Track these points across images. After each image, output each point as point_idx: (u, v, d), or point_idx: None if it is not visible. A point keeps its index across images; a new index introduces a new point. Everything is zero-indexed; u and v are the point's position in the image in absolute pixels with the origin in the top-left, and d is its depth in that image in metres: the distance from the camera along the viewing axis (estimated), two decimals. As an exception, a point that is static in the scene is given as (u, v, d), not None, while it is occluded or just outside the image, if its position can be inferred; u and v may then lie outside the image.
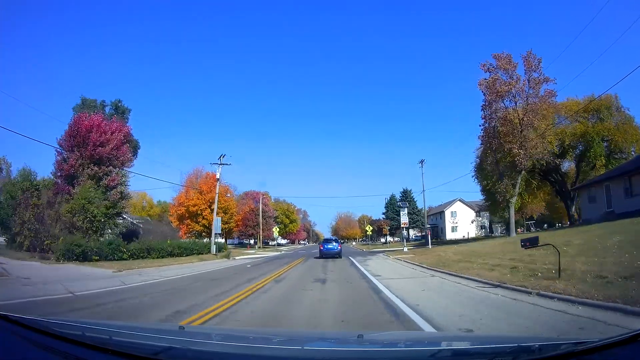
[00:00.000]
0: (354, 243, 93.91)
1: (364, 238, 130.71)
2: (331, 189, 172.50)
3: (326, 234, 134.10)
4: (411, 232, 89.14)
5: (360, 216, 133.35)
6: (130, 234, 23.35)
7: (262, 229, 58.52)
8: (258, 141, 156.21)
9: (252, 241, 65.72)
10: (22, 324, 1.96)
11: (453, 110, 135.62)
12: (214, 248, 27.57)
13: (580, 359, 1.51)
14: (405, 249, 27.13)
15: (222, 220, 37.14)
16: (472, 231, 52.20)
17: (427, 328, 4.92)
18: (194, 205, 41.64)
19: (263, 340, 2.40)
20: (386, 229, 58.62)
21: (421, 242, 47.58)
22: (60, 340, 1.82)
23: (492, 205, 34.45)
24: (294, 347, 2.02)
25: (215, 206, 32.05)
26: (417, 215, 56.84)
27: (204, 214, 42.22)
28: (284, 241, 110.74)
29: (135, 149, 32.34)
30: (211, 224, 34.87)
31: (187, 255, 23.17)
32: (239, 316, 5.95)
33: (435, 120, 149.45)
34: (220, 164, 32.23)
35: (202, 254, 25.33)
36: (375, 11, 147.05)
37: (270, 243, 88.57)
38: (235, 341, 2.27)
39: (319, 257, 23.47)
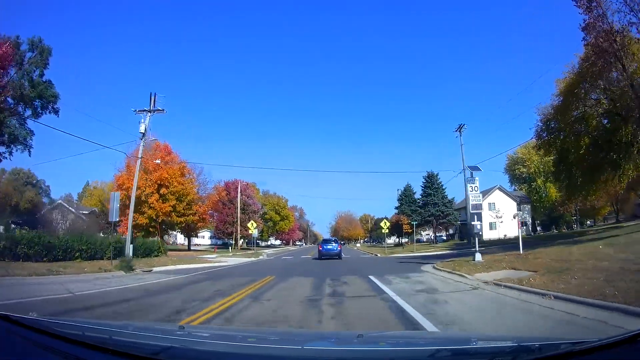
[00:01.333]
0: (357, 245, 78.50)
1: (368, 238, 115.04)
2: (331, 189, 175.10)
3: (325, 234, 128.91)
4: (424, 232, 72.82)
5: (361, 215, 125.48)
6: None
7: (245, 227, 47.54)
8: (257, 141, 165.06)
9: (241, 241, 58.09)
10: (22, 324, 1.98)
11: (453, 111, 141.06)
12: (128, 249, 18.30)
13: (579, 359, 1.53)
14: (479, 258, 14.67)
15: (176, 211, 32.78)
16: (513, 229, 39.89)
17: None
18: (137, 189, 26.72)
19: (263, 340, 2.45)
20: (407, 225, 43.37)
21: (458, 244, 40.57)
22: (60, 340, 1.85)
23: (570, 186, 22.52)
24: (294, 347, 2.04)
25: (135, 178, 21.67)
26: (446, 207, 42.25)
27: (149, 200, 32.63)
28: (277, 242, 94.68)
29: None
30: (162, 216, 31.34)
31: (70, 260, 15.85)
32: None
33: (436, 120, 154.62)
34: (151, 111, 20.54)
35: (101, 258, 17.09)
36: (375, 11, 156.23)
37: (261, 244, 72.96)
38: (236, 341, 2.28)
39: (318, 259, 23.80)
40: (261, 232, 71.15)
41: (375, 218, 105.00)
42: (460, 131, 31.07)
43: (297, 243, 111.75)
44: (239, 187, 47.33)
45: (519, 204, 47.37)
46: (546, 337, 3.01)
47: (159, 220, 30.16)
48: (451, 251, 27.22)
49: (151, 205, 30.76)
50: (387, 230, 34.62)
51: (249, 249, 55.93)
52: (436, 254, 24.70)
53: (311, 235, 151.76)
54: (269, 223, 68.52)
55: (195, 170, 37.03)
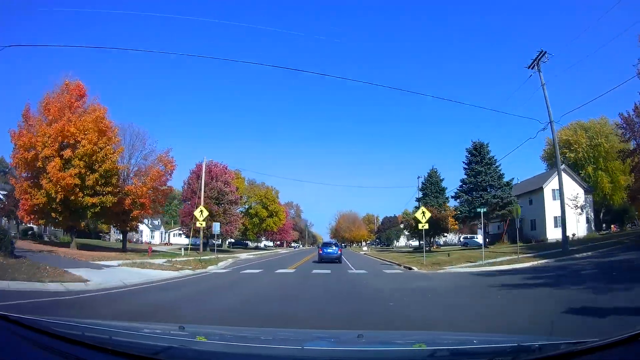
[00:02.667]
0: (364, 248, 74.57)
1: (374, 240, 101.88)
2: (332, 186, 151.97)
3: (324, 235, 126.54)
4: (441, 235, 60.04)
5: (365, 215, 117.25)
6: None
7: (227, 220, 42.27)
8: (256, 140, 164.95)
9: (219, 241, 49.96)
10: (22, 324, 2.05)
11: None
12: None
13: (580, 359, 1.56)
14: None
15: (85, 186, 22.02)
16: (580, 226, 33.88)
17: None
18: (31, 149, 21.84)
19: (263, 339, 2.54)
20: (452, 220, 31.28)
21: (531, 248, 26.26)
22: (60, 340, 1.90)
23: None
24: (293, 347, 2.11)
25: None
26: (503, 191, 33.97)
27: (48, 168, 21.66)
28: (270, 243, 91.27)
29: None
30: (61, 193, 21.03)
31: None
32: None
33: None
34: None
35: None
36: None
37: (250, 245, 70.90)
38: (236, 341, 2.37)
39: (318, 262, 24.47)
40: (245, 230, 58.22)
41: (378, 218, 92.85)
42: (537, 64, 19.03)
43: (292, 245, 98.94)
44: (204, 166, 35.39)
45: (587, 191, 35.29)
46: (546, 337, 2.68)
47: (58, 199, 17.94)
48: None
49: (50, 175, 18.31)
50: (426, 225, 22.00)
51: (229, 251, 43.73)
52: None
53: (309, 236, 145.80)
54: (254, 219, 55.67)
55: (145, 141, 29.90)
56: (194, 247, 34.72)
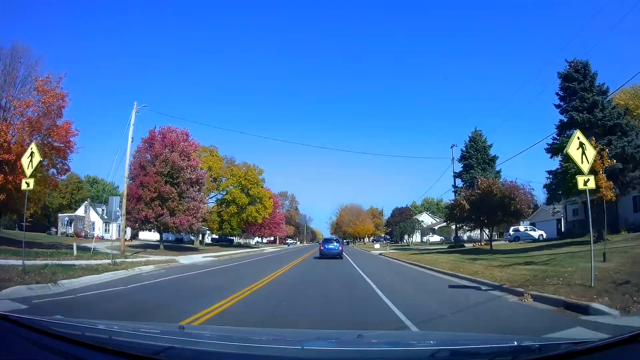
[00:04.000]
0: (376, 246, 54.82)
1: (384, 235, 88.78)
2: (332, 181, 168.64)
3: (324, 232, 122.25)
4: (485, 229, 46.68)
5: (368, 209, 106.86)
6: None
7: (184, 207, 31.51)
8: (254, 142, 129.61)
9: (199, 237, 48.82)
10: (22, 324, 2.11)
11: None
12: None
13: (580, 359, 1.59)
14: None
15: None
16: None
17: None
18: None
19: (263, 340, 2.61)
20: (606, 184, 15.58)
21: None
22: (60, 340, 1.95)
23: None
24: (293, 347, 2.18)
25: None
26: (628, 135, 22.30)
27: None
28: (262, 239, 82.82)
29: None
30: None
31: None
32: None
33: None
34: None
35: None
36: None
37: (237, 241, 66.43)
38: (236, 341, 2.44)
39: (319, 258, 26.15)
40: (221, 222, 44.95)
41: (393, 209, 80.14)
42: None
43: (287, 242, 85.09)
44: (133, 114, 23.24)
45: None
46: (546, 337, 3.16)
47: None
48: None
49: None
50: (591, 183, 8.05)
51: (193, 249, 32.14)
52: None
53: (308, 232, 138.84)
54: (230, 208, 42.34)
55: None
56: (170, 243, 22.52)
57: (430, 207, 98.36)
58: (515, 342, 1.97)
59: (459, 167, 36.10)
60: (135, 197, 31.19)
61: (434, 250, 32.78)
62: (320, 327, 6.06)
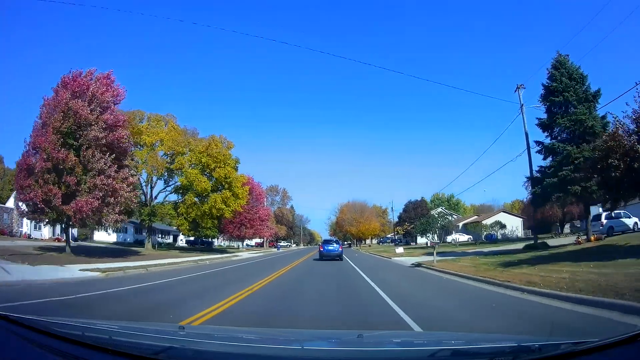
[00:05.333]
0: (398, 250, 35.82)
1: (394, 235, 77.82)
2: (330, 186, 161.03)
3: (323, 233, 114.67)
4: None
5: (371, 207, 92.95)
6: None
7: (92, 186, 20.21)
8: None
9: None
10: (22, 324, 2.12)
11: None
12: None
13: (580, 359, 1.61)
14: None
15: None
16: None
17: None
18: None
19: (263, 340, 2.61)
20: None
21: None
22: (60, 340, 1.97)
23: None
24: (294, 347, 2.20)
25: None
26: None
27: None
28: (245, 243, 68.61)
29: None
30: None
31: None
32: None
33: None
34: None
35: None
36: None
37: (219, 243, 61.12)
38: (236, 341, 2.44)
39: (319, 259, 25.47)
40: (192, 220, 33.43)
41: (406, 203, 68.98)
42: None
43: (281, 244, 73.29)
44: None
45: None
46: (546, 337, 2.79)
47: None
48: None
49: None
50: None
51: (129, 254, 26.77)
52: None
53: (306, 234, 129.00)
54: (187, 196, 30.37)
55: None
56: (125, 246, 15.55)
57: (441, 203, 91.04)
58: (516, 342, 2.02)
59: (533, 118, 24.07)
60: (25, 169, 19.97)
61: (514, 258, 17.78)
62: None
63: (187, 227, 38.58)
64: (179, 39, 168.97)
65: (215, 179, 36.65)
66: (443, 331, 4.75)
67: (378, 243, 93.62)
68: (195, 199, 35.51)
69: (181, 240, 70.08)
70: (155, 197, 39.64)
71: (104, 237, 48.74)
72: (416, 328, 6.58)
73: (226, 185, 36.94)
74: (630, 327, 6.01)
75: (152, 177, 37.32)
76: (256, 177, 39.69)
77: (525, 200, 57.64)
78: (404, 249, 38.35)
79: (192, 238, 60.81)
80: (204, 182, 35.45)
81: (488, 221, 55.78)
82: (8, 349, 1.91)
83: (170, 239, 70.17)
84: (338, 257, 26.20)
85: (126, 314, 7.80)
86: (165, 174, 37.81)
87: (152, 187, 38.74)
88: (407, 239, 74.77)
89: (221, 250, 49.71)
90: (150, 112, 39.43)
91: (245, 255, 39.04)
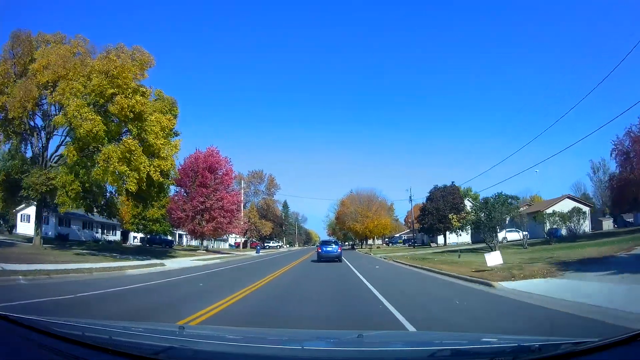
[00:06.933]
0: (493, 260, 13.77)
1: (408, 234, 65.03)
2: (330, 186, 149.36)
3: (320, 233, 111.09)
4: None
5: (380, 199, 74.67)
6: None
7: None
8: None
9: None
10: (22, 324, 2.15)
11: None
12: None
13: (580, 359, 1.62)
14: None
15: None
16: None
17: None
18: None
19: (263, 339, 2.64)
20: None
21: None
22: (60, 340, 2.00)
23: None
24: (293, 347, 2.22)
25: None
26: None
27: None
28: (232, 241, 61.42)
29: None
30: None
31: None
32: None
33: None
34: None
35: None
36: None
37: (191, 242, 50.58)
38: (235, 341, 2.51)
39: (317, 261, 25.47)
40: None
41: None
42: None
43: (269, 244, 58.98)
44: None
45: None
46: (546, 337, 2.89)
47: None
48: None
49: None
50: None
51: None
52: None
53: (301, 233, 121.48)
54: (67, 149, 14.69)
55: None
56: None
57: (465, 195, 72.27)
58: (516, 342, 2.03)
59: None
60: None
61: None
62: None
63: (74, 206, 21.71)
64: (177, 38, 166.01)
65: (117, 118, 20.30)
66: (443, 332, 4.78)
67: (387, 244, 77.73)
68: (77, 153, 19.29)
69: (135, 238, 53.92)
70: (59, 157, 24.19)
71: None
72: None
73: (134, 130, 20.37)
74: (630, 327, 5.59)
75: (50, 124, 22.85)
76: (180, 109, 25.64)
77: (608, 176, 41.97)
78: (460, 254, 22.48)
79: (141, 235, 45.42)
80: (97, 121, 18.93)
81: (555, 208, 37.65)
82: (8, 349, 1.91)
83: (117, 236, 52.73)
84: (337, 258, 25.94)
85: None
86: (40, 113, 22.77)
87: (47, 138, 24.05)
88: (422, 239, 60.64)
89: (159, 254, 30.53)
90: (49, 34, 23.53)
91: (176, 264, 21.43)
